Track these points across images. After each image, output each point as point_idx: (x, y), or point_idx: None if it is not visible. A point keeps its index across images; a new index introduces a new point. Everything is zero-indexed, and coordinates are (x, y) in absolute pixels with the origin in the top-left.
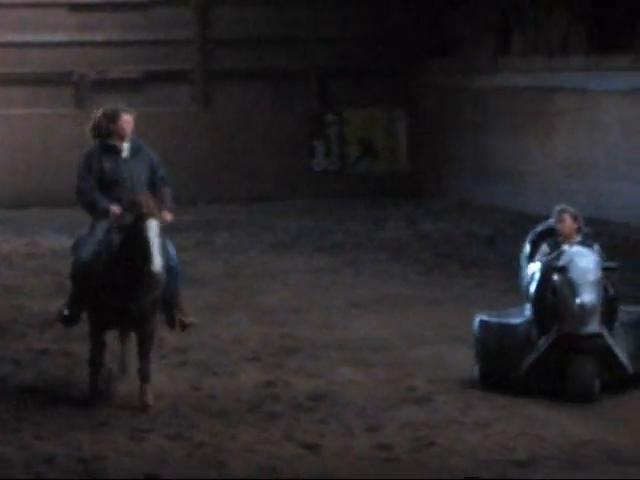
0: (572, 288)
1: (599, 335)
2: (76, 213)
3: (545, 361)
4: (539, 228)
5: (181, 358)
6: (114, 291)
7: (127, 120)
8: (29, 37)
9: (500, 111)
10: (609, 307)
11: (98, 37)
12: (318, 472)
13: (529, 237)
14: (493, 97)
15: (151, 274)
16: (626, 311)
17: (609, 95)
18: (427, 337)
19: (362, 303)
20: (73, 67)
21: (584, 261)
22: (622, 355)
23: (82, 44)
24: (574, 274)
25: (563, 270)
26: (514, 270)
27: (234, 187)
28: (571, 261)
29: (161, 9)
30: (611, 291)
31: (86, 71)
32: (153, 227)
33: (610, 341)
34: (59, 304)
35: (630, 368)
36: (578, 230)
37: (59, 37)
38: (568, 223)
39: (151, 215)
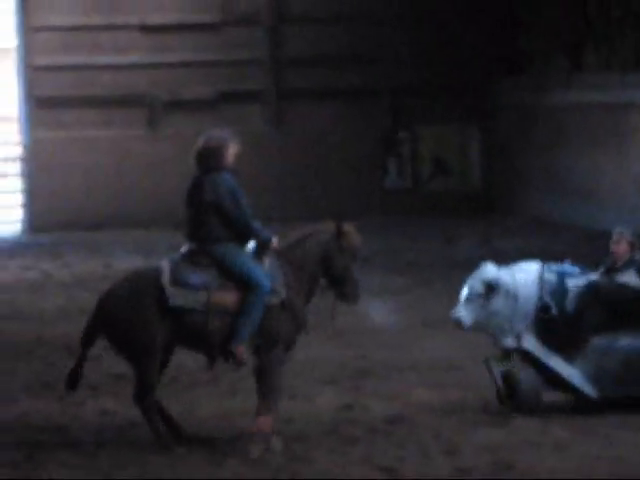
0: None
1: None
2: (149, 235)
3: None
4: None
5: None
6: None
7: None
8: (102, 59)
9: (574, 128)
10: (556, 326)
11: (170, 58)
12: None
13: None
14: (566, 114)
15: None
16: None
17: None
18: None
19: (436, 323)
20: (146, 88)
21: (472, 276)
22: (573, 376)
23: (154, 66)
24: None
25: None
26: None
27: (307, 206)
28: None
29: (232, 29)
30: (553, 311)
31: (158, 92)
32: None
33: (544, 358)
34: None
35: (590, 391)
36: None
37: (132, 59)
38: (622, 248)
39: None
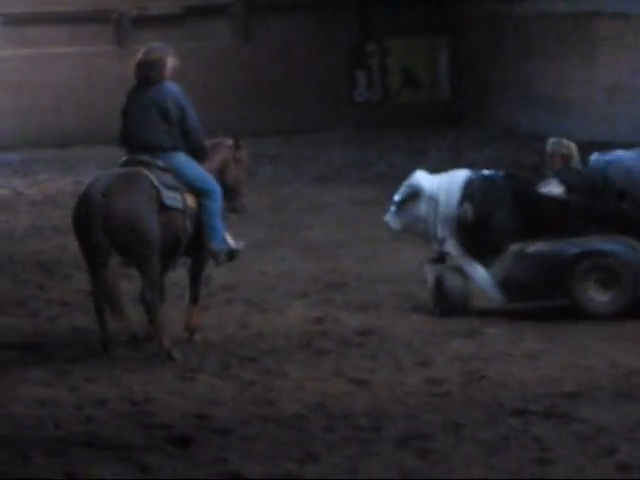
0: None
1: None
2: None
3: None
4: None
5: (228, 295)
6: None
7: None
8: None
9: (542, 38)
10: (475, 231)
11: None
12: (368, 408)
13: None
14: (535, 23)
15: None
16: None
17: None
18: None
19: (407, 236)
20: (113, 4)
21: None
22: (483, 281)
23: None
24: None
25: None
26: None
27: (276, 120)
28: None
29: None
30: (469, 216)
31: (126, 8)
32: None
33: (461, 263)
34: None
35: (497, 296)
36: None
37: None
38: (557, 161)
39: None
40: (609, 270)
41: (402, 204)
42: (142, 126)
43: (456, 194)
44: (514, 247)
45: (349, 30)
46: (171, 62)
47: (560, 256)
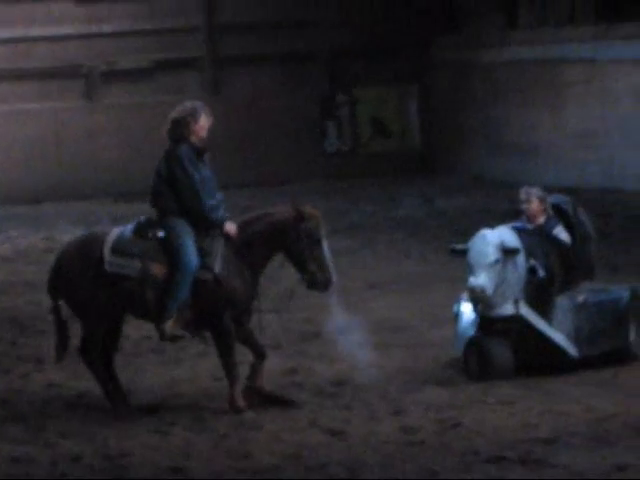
0: (469, 270)
1: (514, 317)
2: (90, 206)
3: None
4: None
5: (201, 349)
6: None
7: (208, 120)
8: (37, 31)
9: (510, 84)
10: (539, 288)
11: (105, 28)
12: (344, 457)
13: None
14: (502, 70)
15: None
16: (590, 291)
17: (618, 64)
18: (447, 317)
19: (380, 284)
20: (82, 60)
21: (481, 243)
22: (559, 338)
23: (90, 36)
24: (470, 257)
25: (465, 252)
26: None
27: (247, 172)
28: (472, 243)
29: None
30: (540, 273)
31: (95, 63)
32: None
33: (535, 323)
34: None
35: (573, 351)
36: (544, 212)
37: (66, 30)
38: (534, 205)
39: None
40: None
41: (491, 265)
42: (153, 189)
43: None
44: (564, 300)
45: (318, 81)
46: (202, 121)
47: (616, 301)
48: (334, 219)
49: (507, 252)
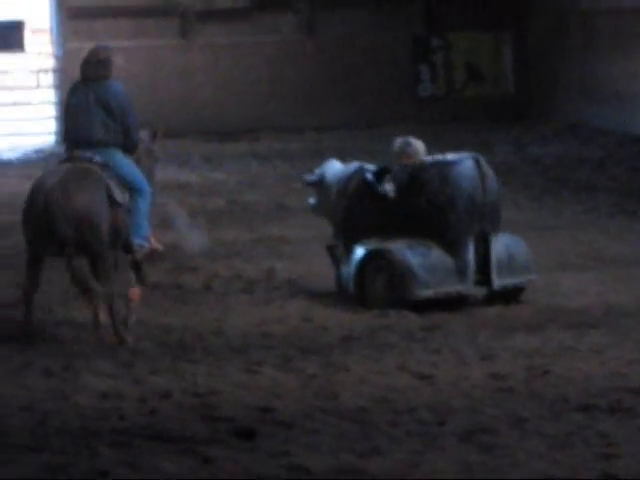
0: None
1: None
2: (183, 144)
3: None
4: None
5: (292, 289)
6: None
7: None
8: None
9: (607, 33)
10: None
11: None
12: (432, 402)
13: None
14: (600, 19)
15: None
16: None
17: None
18: (539, 264)
19: None
20: None
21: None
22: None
23: None
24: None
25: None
26: (625, 194)
27: (341, 114)
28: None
29: None
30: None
31: (191, 1)
32: None
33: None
34: (168, 236)
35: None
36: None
37: None
38: (403, 159)
39: None
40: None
41: (314, 187)
42: (86, 122)
43: (342, 185)
44: (357, 245)
45: (413, 24)
46: (117, 61)
47: (359, 254)
48: None
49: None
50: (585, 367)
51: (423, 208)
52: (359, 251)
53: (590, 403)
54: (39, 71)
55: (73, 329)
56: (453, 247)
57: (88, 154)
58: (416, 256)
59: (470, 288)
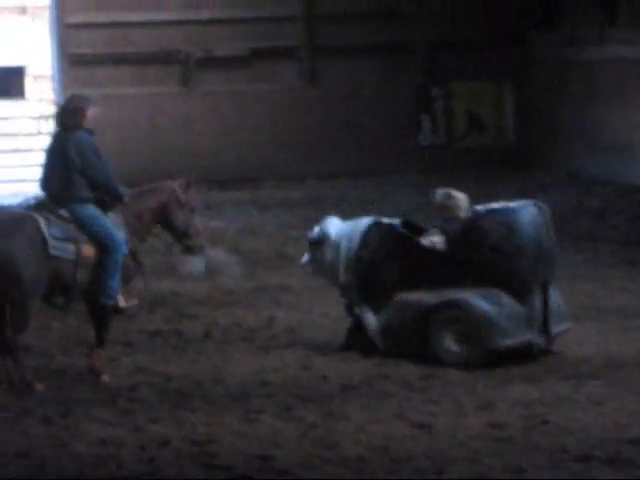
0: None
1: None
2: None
3: None
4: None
5: (290, 338)
6: None
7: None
8: (135, 17)
9: (607, 83)
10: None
11: (204, 15)
12: (430, 451)
13: None
14: (600, 69)
15: None
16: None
17: None
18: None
19: None
20: (179, 46)
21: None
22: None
23: (187, 23)
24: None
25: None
26: (625, 243)
27: (341, 162)
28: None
29: None
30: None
31: (192, 49)
32: None
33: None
34: (169, 284)
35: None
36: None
37: (164, 16)
38: (445, 211)
39: None
40: (461, 321)
41: (312, 248)
42: (50, 174)
43: (356, 242)
44: (397, 297)
45: (414, 73)
46: (91, 111)
47: (420, 306)
48: (429, 213)
49: (319, 238)
50: (584, 417)
51: (486, 257)
52: (417, 303)
53: (589, 454)
54: (40, 118)
55: (73, 376)
56: (521, 295)
57: (50, 206)
58: (492, 305)
59: (537, 337)
